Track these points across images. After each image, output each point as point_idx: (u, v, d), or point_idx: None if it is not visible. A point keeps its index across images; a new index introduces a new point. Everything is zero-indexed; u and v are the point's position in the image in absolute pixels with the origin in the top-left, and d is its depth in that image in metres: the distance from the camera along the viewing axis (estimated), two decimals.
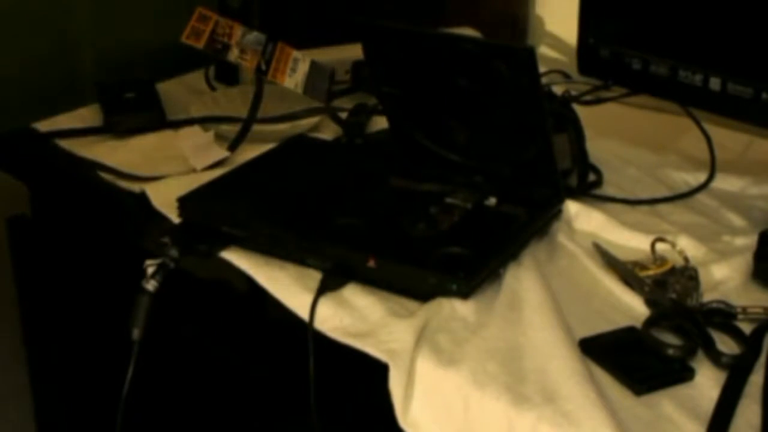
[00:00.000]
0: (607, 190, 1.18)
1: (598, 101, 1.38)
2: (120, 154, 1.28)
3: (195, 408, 1.28)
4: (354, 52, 1.25)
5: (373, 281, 0.98)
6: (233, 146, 1.27)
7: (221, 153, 1.25)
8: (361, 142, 1.30)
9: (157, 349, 1.02)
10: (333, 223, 1.04)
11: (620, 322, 0.93)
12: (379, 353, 0.90)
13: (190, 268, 1.06)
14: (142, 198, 1.17)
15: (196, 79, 1.51)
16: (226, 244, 1.05)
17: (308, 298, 0.96)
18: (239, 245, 1.05)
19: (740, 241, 1.06)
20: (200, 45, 1.32)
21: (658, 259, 1.02)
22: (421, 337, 0.90)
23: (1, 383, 1.56)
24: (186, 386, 1.27)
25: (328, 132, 1.34)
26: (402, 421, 0.88)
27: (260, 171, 1.17)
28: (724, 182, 1.21)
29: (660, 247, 1.03)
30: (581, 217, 1.10)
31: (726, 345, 0.91)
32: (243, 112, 1.31)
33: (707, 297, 0.97)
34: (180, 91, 1.47)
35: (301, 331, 0.95)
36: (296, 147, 1.24)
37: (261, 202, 1.09)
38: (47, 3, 1.44)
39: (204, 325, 1.20)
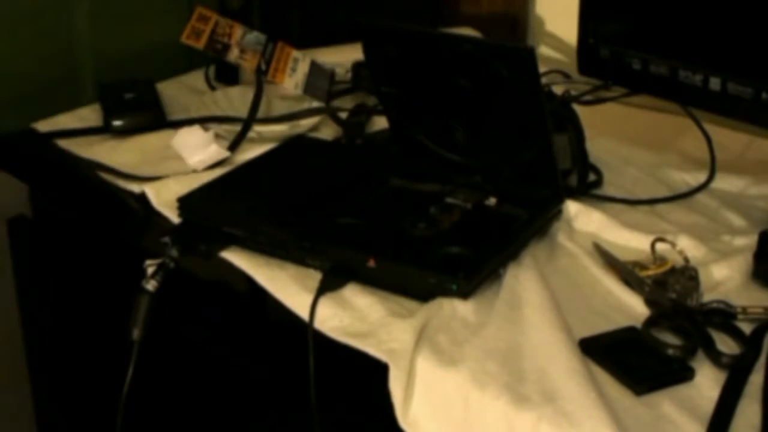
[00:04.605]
0: (607, 190, 1.18)
1: (598, 101, 1.38)
2: (120, 154, 1.28)
3: (195, 408, 1.28)
4: (354, 52, 1.25)
5: (373, 281, 0.98)
6: (233, 146, 1.27)
7: (221, 153, 1.25)
8: (361, 142, 1.30)
9: (157, 349, 1.02)
10: (333, 223, 1.04)
11: (620, 322, 0.93)
12: (379, 353, 0.90)
13: (190, 268, 1.06)
14: (142, 198, 1.17)
15: (196, 79, 1.51)
16: (226, 244, 1.05)
17: (308, 298, 0.96)
18: (239, 245, 1.05)
19: (740, 241, 1.06)
20: (200, 45, 1.32)
21: (658, 259, 1.02)
22: (421, 337, 0.90)
23: (1, 383, 1.56)
24: (186, 386, 1.27)
25: (328, 132, 1.34)
26: (402, 421, 0.88)
27: (260, 171, 1.17)
28: (724, 182, 1.21)
29: (660, 247, 1.03)
30: (581, 217, 1.10)
31: (726, 345, 0.91)
32: (243, 112, 1.31)
33: (707, 297, 0.97)
34: (180, 91, 1.47)
35: (301, 331, 0.95)
36: (296, 147, 1.24)
37: (261, 202, 1.09)
38: (47, 3, 1.44)
39: (204, 325, 1.20)
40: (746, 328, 0.93)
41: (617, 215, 1.11)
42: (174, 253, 1.02)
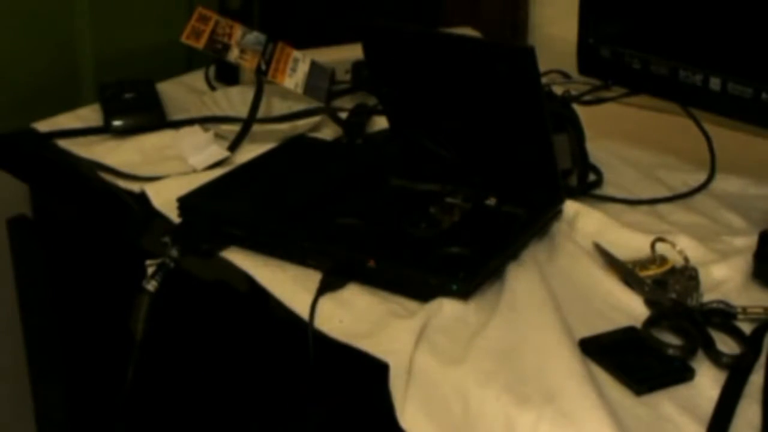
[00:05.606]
0: (607, 190, 1.18)
1: (598, 101, 1.38)
2: (120, 154, 1.28)
3: (195, 408, 1.28)
4: (354, 52, 1.25)
5: (373, 281, 0.98)
6: (233, 146, 1.27)
7: (221, 153, 1.25)
8: (361, 142, 1.30)
9: (157, 349, 1.02)
10: (333, 223, 1.04)
11: (620, 322, 0.93)
12: (379, 353, 0.90)
13: (190, 268, 1.06)
14: (142, 198, 1.17)
15: (196, 79, 1.51)
16: (227, 243, 1.05)
17: (308, 298, 0.96)
18: (239, 245, 1.05)
19: (740, 241, 1.06)
20: (200, 45, 1.32)
21: (658, 259, 1.02)
22: (421, 337, 0.90)
23: (1, 383, 1.56)
24: (186, 386, 1.27)
25: (328, 132, 1.34)
26: (401, 420, 0.88)
27: (260, 171, 1.17)
28: (724, 182, 1.21)
29: (660, 247, 1.03)
30: (581, 217, 1.10)
31: (726, 345, 0.91)
32: (243, 112, 1.31)
33: (707, 297, 0.97)
34: (180, 91, 1.47)
35: (301, 331, 0.95)
36: (296, 147, 1.24)
37: (261, 202, 1.09)
38: (47, 3, 1.44)
39: (204, 325, 1.20)
40: (746, 328, 0.93)
41: (617, 215, 1.11)
42: (174, 253, 1.02)
